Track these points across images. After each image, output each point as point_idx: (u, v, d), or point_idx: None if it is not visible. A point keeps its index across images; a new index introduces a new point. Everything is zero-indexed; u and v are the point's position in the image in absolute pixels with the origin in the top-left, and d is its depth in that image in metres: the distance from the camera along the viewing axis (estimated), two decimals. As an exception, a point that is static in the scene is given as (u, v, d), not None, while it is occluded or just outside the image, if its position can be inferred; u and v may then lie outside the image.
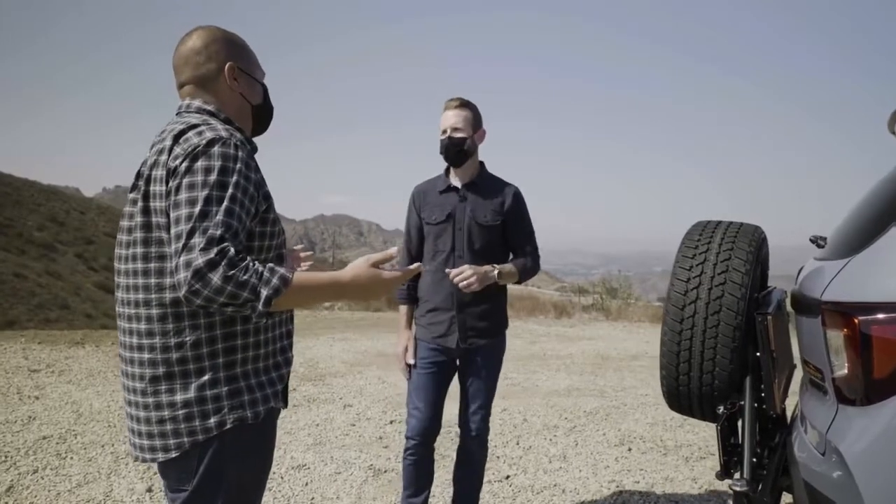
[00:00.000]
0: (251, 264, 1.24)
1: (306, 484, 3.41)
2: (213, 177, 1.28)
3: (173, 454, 1.35)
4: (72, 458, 3.73)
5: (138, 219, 1.36)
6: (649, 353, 7.74)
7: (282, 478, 3.48)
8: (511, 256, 2.63)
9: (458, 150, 2.48)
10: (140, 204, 1.36)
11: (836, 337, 1.64)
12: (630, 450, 4.07)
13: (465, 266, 2.38)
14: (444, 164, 2.61)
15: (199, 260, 1.20)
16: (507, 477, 3.54)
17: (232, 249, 1.23)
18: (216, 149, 1.31)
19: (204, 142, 1.31)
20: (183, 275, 1.21)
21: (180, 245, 1.23)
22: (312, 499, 3.23)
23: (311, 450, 3.97)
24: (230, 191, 1.29)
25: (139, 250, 1.36)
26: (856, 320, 1.57)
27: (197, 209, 1.25)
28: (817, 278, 1.90)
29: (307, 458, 3.81)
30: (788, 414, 2.47)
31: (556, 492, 3.36)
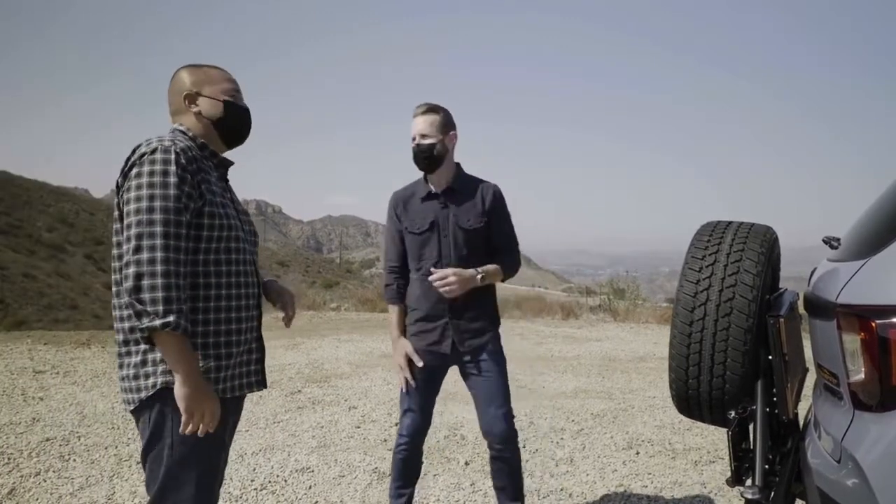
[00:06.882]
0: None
1: (310, 487, 3.38)
2: (148, 191, 1.58)
3: (133, 406, 1.66)
4: (75, 460, 3.72)
5: (115, 214, 1.68)
6: (657, 355, 7.68)
7: (285, 481, 3.45)
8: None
9: (426, 157, 2.45)
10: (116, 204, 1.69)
11: (853, 341, 1.59)
12: (638, 453, 4.01)
13: (448, 269, 2.39)
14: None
15: (134, 297, 1.54)
16: (513, 481, 3.50)
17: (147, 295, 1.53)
18: (157, 155, 1.61)
19: (149, 150, 1.62)
20: (126, 297, 1.57)
21: (125, 271, 1.56)
22: (316, 502, 3.20)
23: (315, 452, 3.94)
24: (160, 218, 1.56)
25: (115, 241, 1.69)
26: (873, 324, 1.52)
27: (133, 232, 1.56)
28: (832, 280, 1.84)
29: (311, 460, 3.78)
30: (801, 419, 2.42)
31: (562, 496, 3.31)
